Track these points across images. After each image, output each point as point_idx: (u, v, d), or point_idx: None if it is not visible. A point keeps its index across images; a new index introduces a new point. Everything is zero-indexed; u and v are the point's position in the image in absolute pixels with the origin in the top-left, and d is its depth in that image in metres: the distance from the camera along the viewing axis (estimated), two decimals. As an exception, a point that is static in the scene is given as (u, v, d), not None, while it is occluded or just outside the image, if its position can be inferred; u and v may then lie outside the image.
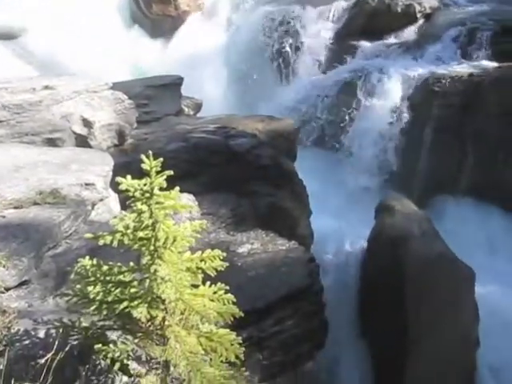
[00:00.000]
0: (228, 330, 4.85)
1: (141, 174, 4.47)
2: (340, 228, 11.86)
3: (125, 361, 4.90)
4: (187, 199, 7.96)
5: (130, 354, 4.90)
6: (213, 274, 4.61)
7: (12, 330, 5.21)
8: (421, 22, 17.00)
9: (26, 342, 5.10)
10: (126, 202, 4.67)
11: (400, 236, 10.85)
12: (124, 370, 5.10)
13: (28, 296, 6.15)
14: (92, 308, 4.73)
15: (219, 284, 4.67)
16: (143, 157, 4.27)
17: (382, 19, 16.83)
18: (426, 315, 10.44)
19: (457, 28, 15.89)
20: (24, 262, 6.25)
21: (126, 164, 8.46)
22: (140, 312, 4.46)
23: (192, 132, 10.37)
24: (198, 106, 13.20)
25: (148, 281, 4.45)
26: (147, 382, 4.98)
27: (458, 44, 15.76)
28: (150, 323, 4.77)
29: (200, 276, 4.65)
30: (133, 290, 4.59)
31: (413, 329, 10.52)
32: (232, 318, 4.91)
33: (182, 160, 9.46)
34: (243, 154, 9.74)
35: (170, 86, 12.34)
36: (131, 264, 4.67)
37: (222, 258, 4.60)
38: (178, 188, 4.46)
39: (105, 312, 4.74)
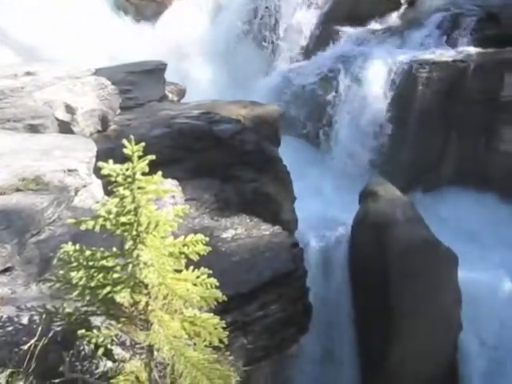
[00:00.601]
0: (211, 315, 4.86)
1: (124, 159, 4.44)
2: (324, 213, 11.92)
3: (109, 346, 4.90)
4: (171, 185, 7.93)
5: (114, 339, 4.91)
6: (195, 258, 4.61)
7: (-5, 317, 5.20)
8: (405, 7, 17.02)
9: (10, 328, 5.09)
10: (109, 187, 4.66)
11: (384, 221, 10.94)
12: (108, 355, 5.10)
13: (11, 282, 6.12)
14: (75, 293, 4.72)
15: (202, 268, 4.68)
16: (125, 141, 4.25)
17: (367, 5, 16.83)
18: (409, 299, 10.58)
19: (441, 14, 15.93)
20: (7, 248, 6.22)
21: (109, 150, 8.41)
22: (123, 297, 4.46)
23: (176, 118, 10.32)
24: (181, 92, 13.12)
25: (131, 266, 4.44)
26: (131, 367, 5.00)
27: (442, 30, 15.81)
28: (133, 308, 4.77)
29: (183, 261, 4.65)
30: (116, 275, 4.59)
31: (397, 312, 10.65)
32: (216, 303, 4.92)
33: (166, 146, 9.43)
34: (227, 140, 9.72)
35: (154, 71, 12.24)
36: (114, 249, 4.66)
37: (204, 242, 4.60)
38: (160, 173, 4.45)
39: (88, 297, 4.74)
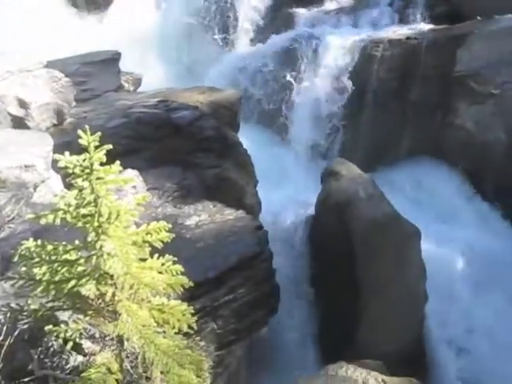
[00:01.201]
0: (179, 302, 4.87)
1: (82, 152, 4.40)
2: (288, 195, 11.98)
3: (77, 340, 4.88)
4: (131, 175, 7.87)
5: (83, 332, 4.88)
6: (160, 246, 4.61)
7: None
8: (357, -13, 17.07)
9: (-26, 329, 5.00)
10: (67, 180, 4.60)
11: (346, 200, 11.03)
12: (78, 349, 5.08)
13: (-28, 283, 6.01)
14: (39, 289, 4.67)
15: (167, 256, 4.68)
16: (80, 132, 4.20)
17: (320, -14, 16.83)
18: (374, 275, 10.71)
19: (393, -8, 16.06)
20: (-34, 248, 6.10)
21: (67, 143, 8.26)
22: (88, 289, 4.44)
23: (133, 107, 10.23)
24: (137, 81, 12.98)
25: (95, 257, 4.42)
26: (102, 359, 4.98)
27: (394, 8, 15.95)
28: (100, 300, 4.75)
29: (147, 249, 4.64)
30: (80, 268, 4.56)
31: (363, 289, 10.78)
32: (183, 290, 4.93)
33: (125, 136, 9.34)
34: (186, 127, 9.68)
35: (108, 61, 12.08)
36: (76, 242, 4.62)
37: (167, 229, 4.59)
38: (118, 162, 4.41)
39: (53, 292, 4.70)
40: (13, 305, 5.05)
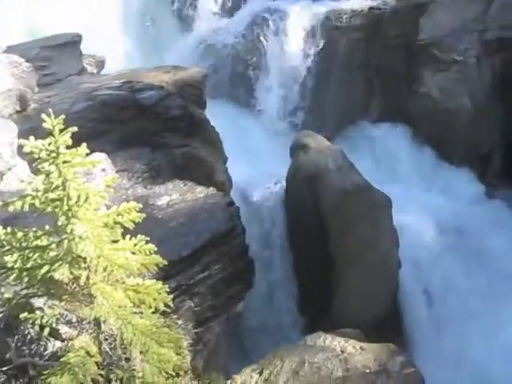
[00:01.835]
0: (154, 281, 4.89)
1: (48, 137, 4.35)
2: (259, 170, 12.00)
3: (54, 325, 4.87)
4: (99, 158, 7.79)
5: (59, 318, 4.87)
6: (131, 226, 4.60)
7: None
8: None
9: None
10: (34, 165, 4.55)
11: (316, 172, 11.09)
12: (55, 335, 5.07)
13: None
14: (12, 277, 4.64)
15: (139, 236, 4.67)
16: (44, 116, 4.14)
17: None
18: (347, 244, 10.84)
19: (352, -37, 15.97)
20: None
21: (32, 129, 8.13)
22: (62, 273, 4.42)
23: (97, 90, 10.08)
24: (101, 64, 12.78)
25: (66, 241, 4.39)
26: (80, 343, 4.98)
27: (354, -21, 15.90)
28: (74, 284, 4.74)
29: (119, 230, 4.63)
30: (52, 253, 4.53)
31: (337, 259, 10.92)
32: (158, 269, 4.95)
33: (90, 119, 9.23)
34: (152, 107, 9.60)
35: (69, 44, 11.86)
36: (47, 227, 4.59)
37: (138, 209, 4.58)
38: (84, 144, 4.37)
39: (26, 279, 4.67)
40: (-14, 294, 5.00)
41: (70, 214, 4.29)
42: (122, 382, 4.92)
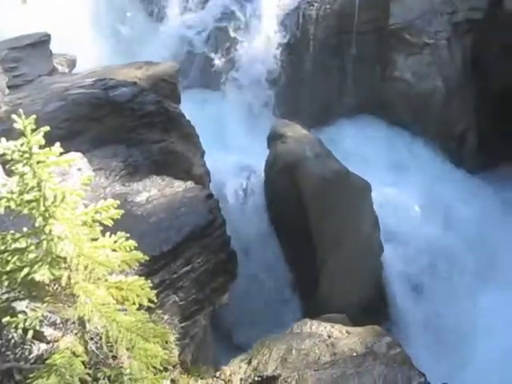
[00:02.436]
0: (137, 277, 4.87)
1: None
2: (237, 161, 11.98)
3: (38, 328, 4.83)
4: (74, 156, 7.72)
5: (43, 320, 4.83)
6: (110, 224, 4.57)
7: None
8: None
9: None
10: (7, 167, 4.50)
11: (294, 161, 11.13)
12: (40, 337, 5.03)
13: None
14: (-8, 281, 4.59)
15: (119, 233, 4.64)
16: (14, 116, 4.09)
17: None
18: (329, 230, 10.92)
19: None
20: None
21: (4, 132, 7.97)
22: (42, 274, 4.38)
23: (69, 89, 9.96)
24: (72, 63, 12.63)
25: (45, 242, 4.36)
26: (66, 344, 4.95)
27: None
28: (56, 285, 4.70)
29: (98, 228, 4.60)
30: (31, 255, 4.49)
31: (320, 245, 10.98)
32: (140, 265, 4.93)
33: (64, 119, 9.13)
34: (126, 104, 9.51)
35: (38, 44, 11.70)
36: (25, 229, 4.54)
37: (116, 206, 4.55)
38: (58, 143, 4.33)
39: (6, 283, 4.62)
40: (-34, 301, 4.94)
41: (47, 215, 4.25)
42: (110, 379, 4.91)
